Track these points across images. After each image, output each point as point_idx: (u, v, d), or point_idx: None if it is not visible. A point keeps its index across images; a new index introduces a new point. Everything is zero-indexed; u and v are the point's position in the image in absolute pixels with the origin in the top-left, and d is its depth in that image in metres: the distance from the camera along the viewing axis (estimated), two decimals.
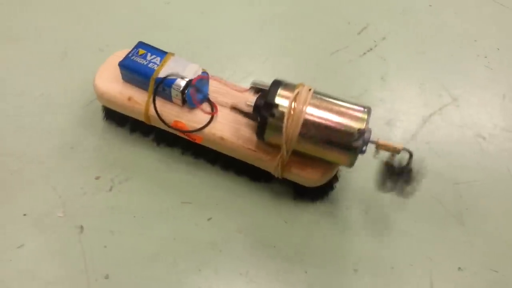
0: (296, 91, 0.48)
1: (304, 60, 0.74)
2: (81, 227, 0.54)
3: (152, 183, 0.59)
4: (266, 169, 0.55)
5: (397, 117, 0.67)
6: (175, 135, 0.56)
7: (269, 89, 0.49)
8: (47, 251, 0.52)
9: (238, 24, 0.77)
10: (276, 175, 0.54)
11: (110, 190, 0.57)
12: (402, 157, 0.50)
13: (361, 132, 0.47)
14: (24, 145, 0.60)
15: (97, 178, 0.58)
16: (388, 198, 0.56)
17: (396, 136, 0.65)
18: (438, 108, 0.68)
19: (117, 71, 0.56)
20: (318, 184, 0.54)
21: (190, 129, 0.54)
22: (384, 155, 0.51)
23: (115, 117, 0.61)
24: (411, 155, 0.50)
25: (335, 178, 0.58)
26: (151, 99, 0.54)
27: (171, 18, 0.77)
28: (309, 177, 0.53)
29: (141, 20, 0.75)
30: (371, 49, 0.74)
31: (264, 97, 0.49)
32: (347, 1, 0.83)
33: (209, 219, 0.56)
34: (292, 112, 0.48)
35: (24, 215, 0.55)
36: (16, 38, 0.71)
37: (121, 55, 0.55)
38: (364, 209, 0.58)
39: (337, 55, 0.74)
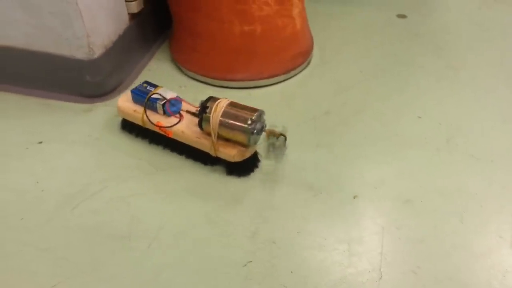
0: (219, 99, 0.86)
1: None
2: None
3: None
4: (206, 151, 0.90)
5: None
6: (160, 136, 0.94)
7: (206, 100, 0.87)
8: None
9: None
10: (212, 154, 0.89)
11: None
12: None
13: (253, 120, 0.83)
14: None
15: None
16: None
17: None
18: None
19: (129, 96, 0.97)
20: (236, 159, 0.88)
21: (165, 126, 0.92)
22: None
23: (126, 126, 1.00)
24: (285, 138, 0.84)
25: (254, 165, 0.92)
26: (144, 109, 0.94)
27: None
28: (229, 153, 0.87)
29: None
30: None
31: (203, 104, 0.87)
32: None
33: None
34: (215, 109, 0.85)
35: None
36: None
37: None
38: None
39: None
